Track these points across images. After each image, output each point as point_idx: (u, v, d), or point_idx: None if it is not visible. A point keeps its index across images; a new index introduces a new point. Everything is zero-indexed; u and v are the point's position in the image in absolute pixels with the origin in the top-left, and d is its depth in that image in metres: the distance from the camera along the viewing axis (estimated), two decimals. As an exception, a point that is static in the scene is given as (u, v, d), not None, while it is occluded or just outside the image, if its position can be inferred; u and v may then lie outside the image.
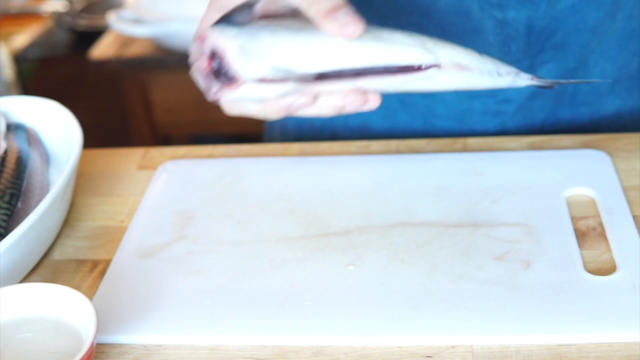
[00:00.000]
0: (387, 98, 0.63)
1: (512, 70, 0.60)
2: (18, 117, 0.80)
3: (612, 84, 0.84)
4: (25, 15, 2.26)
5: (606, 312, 0.56)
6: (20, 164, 0.73)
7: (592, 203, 0.68)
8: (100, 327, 0.54)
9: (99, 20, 2.03)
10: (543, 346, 0.55)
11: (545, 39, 0.79)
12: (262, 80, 0.54)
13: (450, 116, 0.84)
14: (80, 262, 0.68)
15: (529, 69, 0.81)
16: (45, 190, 0.74)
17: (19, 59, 2.12)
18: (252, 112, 0.57)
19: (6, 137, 0.77)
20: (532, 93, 0.83)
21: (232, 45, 0.54)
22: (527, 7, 0.76)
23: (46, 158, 0.78)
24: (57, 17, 2.17)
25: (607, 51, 0.81)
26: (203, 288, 0.62)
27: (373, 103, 0.57)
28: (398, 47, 0.56)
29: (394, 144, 0.80)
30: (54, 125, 0.78)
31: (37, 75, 2.19)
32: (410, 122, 0.86)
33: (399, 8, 0.81)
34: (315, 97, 0.56)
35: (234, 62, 0.54)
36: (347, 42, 0.55)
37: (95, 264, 0.68)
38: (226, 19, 0.55)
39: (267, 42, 0.54)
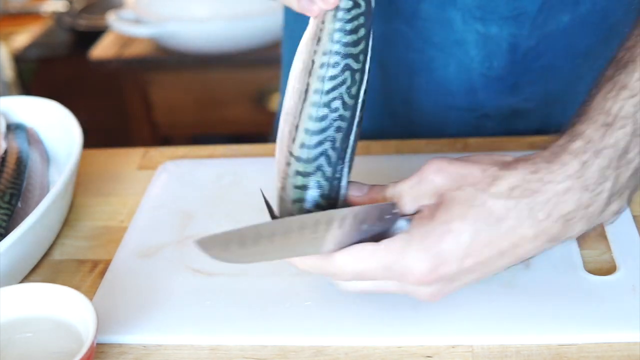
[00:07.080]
0: (372, 102, 0.64)
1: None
2: (18, 117, 0.80)
3: None
4: (26, 15, 2.26)
5: (606, 312, 0.56)
6: (21, 164, 0.73)
7: (592, 203, 0.68)
8: (100, 327, 0.54)
9: (99, 20, 2.03)
10: (543, 346, 0.55)
11: (531, 59, 0.78)
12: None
13: (428, 125, 0.84)
14: (80, 262, 0.68)
15: (513, 88, 0.80)
16: (45, 190, 0.74)
17: (19, 59, 2.12)
18: None
19: (6, 137, 0.77)
20: (513, 112, 0.82)
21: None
22: (511, 25, 0.75)
23: (46, 158, 0.78)
24: (57, 17, 2.17)
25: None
26: (203, 288, 0.62)
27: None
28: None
29: (393, 144, 0.80)
30: (54, 125, 0.78)
31: (37, 75, 2.19)
32: (392, 127, 0.86)
33: (382, 14, 0.80)
34: None
35: None
36: None
37: (95, 264, 0.68)
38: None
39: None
